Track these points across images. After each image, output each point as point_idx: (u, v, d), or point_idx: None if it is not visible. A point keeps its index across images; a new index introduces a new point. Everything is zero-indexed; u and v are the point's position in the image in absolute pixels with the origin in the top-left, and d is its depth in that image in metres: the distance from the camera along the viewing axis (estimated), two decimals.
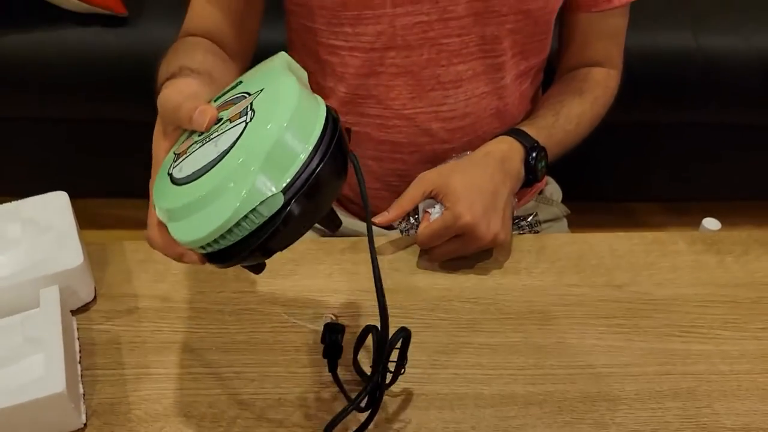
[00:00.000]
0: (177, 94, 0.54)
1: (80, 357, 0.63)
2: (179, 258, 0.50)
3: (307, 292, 0.70)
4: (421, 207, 0.75)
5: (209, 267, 0.72)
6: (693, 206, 1.69)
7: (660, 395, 0.62)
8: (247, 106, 0.48)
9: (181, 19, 0.82)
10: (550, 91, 0.92)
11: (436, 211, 0.73)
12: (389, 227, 0.79)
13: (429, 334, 0.66)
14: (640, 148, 1.60)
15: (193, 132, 0.52)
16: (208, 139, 0.49)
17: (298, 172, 0.45)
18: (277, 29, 0.89)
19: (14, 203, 0.71)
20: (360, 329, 0.61)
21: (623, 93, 0.94)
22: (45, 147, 1.59)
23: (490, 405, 0.61)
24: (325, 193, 0.46)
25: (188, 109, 0.51)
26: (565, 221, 0.98)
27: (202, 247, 0.47)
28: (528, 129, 0.81)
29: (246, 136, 0.46)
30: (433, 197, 0.74)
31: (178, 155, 0.51)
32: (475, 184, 0.73)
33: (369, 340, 0.59)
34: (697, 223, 0.87)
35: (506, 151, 0.78)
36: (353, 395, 0.56)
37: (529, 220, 0.87)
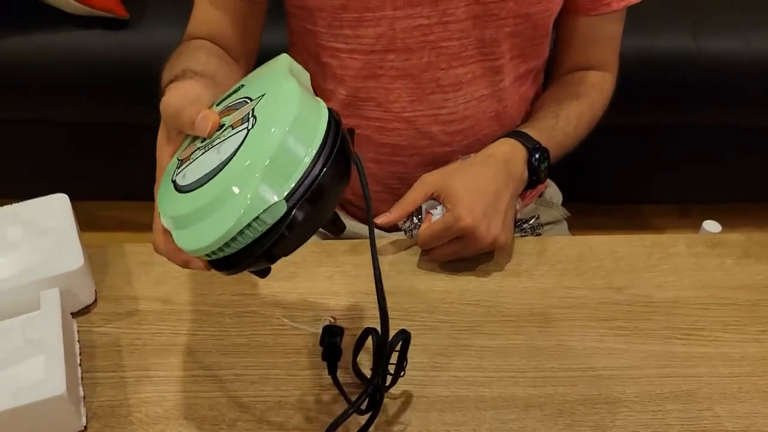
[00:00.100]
0: (179, 98, 0.54)
1: (80, 359, 0.63)
2: (185, 265, 0.50)
3: (307, 294, 0.70)
4: (423, 207, 0.75)
5: (211, 270, 0.72)
6: (693, 208, 1.69)
7: (660, 398, 0.62)
8: (248, 112, 0.48)
9: (182, 21, 0.83)
10: (547, 93, 0.92)
11: (437, 212, 0.73)
12: (391, 229, 0.79)
13: (429, 337, 0.66)
14: (641, 150, 1.60)
15: (195, 138, 0.52)
16: (210, 146, 0.49)
17: (300, 178, 0.45)
18: (278, 31, 0.89)
19: (15, 205, 0.71)
20: (360, 332, 0.61)
21: (623, 95, 0.94)
22: (46, 149, 1.59)
23: (490, 407, 0.61)
24: (329, 198, 0.46)
25: (190, 114, 0.51)
26: (565, 224, 0.98)
27: (207, 255, 0.47)
28: (529, 131, 0.81)
29: (248, 143, 0.46)
30: (435, 198, 0.74)
31: (181, 161, 0.51)
32: (477, 186, 0.73)
33: (369, 342, 0.59)
34: (697, 226, 0.87)
35: (509, 152, 0.78)
36: (353, 398, 0.56)
37: (531, 222, 0.87)
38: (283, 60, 0.52)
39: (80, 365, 0.63)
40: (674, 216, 1.74)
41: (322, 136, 0.46)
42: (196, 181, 0.47)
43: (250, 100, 0.50)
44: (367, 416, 0.56)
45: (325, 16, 0.79)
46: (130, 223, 1.67)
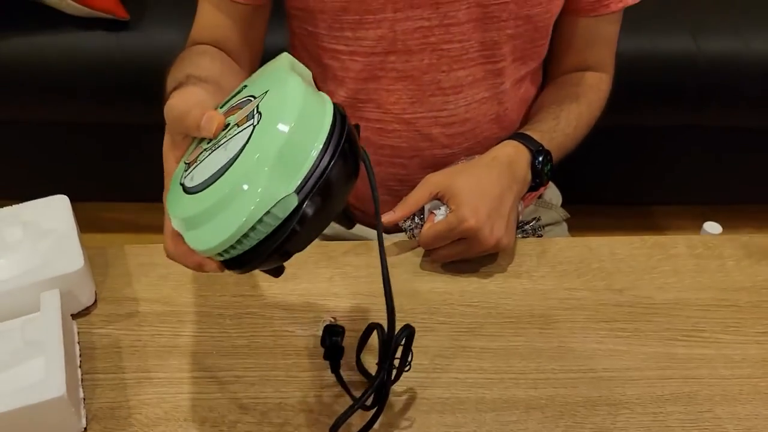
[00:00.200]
0: (183, 102, 0.54)
1: (80, 361, 0.63)
2: (199, 267, 0.50)
3: (307, 296, 0.70)
4: (426, 208, 0.75)
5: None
6: (694, 210, 1.69)
7: (661, 399, 0.62)
8: (253, 109, 0.48)
9: (182, 22, 0.83)
10: (545, 94, 0.92)
11: (441, 213, 0.73)
12: (392, 229, 0.79)
13: (430, 338, 0.66)
14: (640, 151, 1.60)
15: (201, 140, 0.52)
16: (217, 146, 0.49)
17: (309, 171, 0.44)
18: (279, 33, 0.89)
19: (15, 207, 0.71)
20: (360, 333, 0.61)
21: (623, 96, 0.94)
22: (46, 150, 1.59)
23: (491, 409, 0.61)
24: (339, 190, 0.46)
25: (195, 117, 0.51)
26: (565, 225, 0.98)
27: (220, 254, 0.46)
28: (531, 133, 0.81)
29: (254, 139, 0.46)
30: (439, 199, 0.74)
31: (188, 164, 0.51)
32: (481, 187, 0.73)
33: (370, 341, 0.59)
34: (698, 227, 0.87)
35: (513, 155, 0.78)
36: (357, 396, 0.56)
37: (531, 224, 0.87)
38: (285, 58, 0.52)
39: (80, 367, 0.63)
40: (675, 217, 1.74)
41: (329, 128, 0.46)
42: (204, 181, 0.47)
43: (254, 98, 0.50)
44: (371, 413, 0.56)
45: (325, 18, 0.79)
46: (131, 225, 1.67)
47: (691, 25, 1.41)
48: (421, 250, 0.75)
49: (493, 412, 0.60)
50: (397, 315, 0.61)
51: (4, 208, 0.71)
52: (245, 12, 0.80)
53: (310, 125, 0.45)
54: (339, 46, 0.81)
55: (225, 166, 0.46)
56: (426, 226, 0.73)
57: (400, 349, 0.56)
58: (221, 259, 0.47)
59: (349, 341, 0.61)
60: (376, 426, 0.57)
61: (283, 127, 0.44)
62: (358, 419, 0.57)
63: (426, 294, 0.71)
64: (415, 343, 0.57)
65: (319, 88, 0.86)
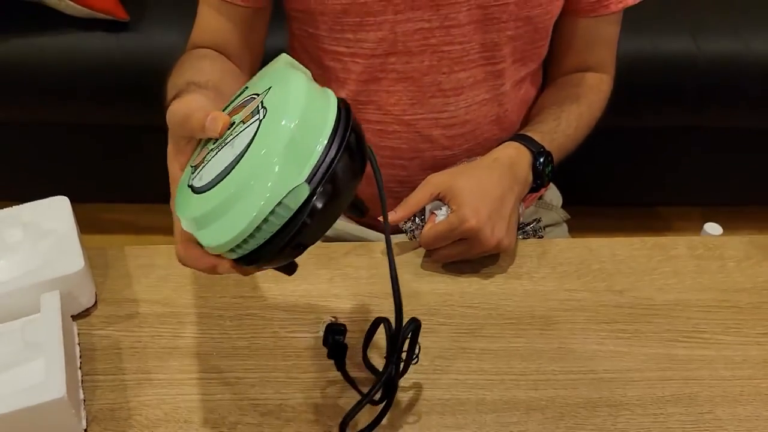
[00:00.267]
0: (185, 107, 0.53)
1: (81, 362, 0.63)
2: (212, 269, 0.49)
3: (308, 297, 0.70)
4: (427, 208, 0.75)
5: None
6: (694, 211, 1.69)
7: (662, 401, 0.62)
8: (258, 106, 0.48)
9: (182, 23, 0.82)
10: (546, 95, 0.92)
11: (442, 213, 0.73)
12: (394, 229, 0.79)
13: (430, 339, 0.66)
14: (641, 152, 1.60)
15: (206, 143, 0.52)
16: (223, 144, 0.49)
17: (318, 160, 0.44)
18: (278, 35, 0.89)
19: (15, 208, 0.70)
20: (362, 333, 0.61)
21: (623, 97, 0.94)
22: (46, 151, 1.59)
23: (491, 410, 0.61)
24: (348, 179, 0.46)
25: (199, 118, 0.50)
26: (565, 226, 0.98)
27: (233, 251, 0.46)
28: (533, 134, 0.81)
29: (261, 133, 0.46)
30: (440, 199, 0.74)
31: (195, 167, 0.51)
32: (483, 188, 0.73)
33: (374, 338, 0.58)
34: (698, 228, 0.87)
35: (514, 156, 0.78)
36: (364, 392, 0.56)
37: (532, 225, 0.87)
38: (284, 58, 0.53)
39: (80, 368, 0.63)
40: (675, 218, 1.74)
41: (334, 118, 0.46)
42: (212, 180, 0.47)
43: (257, 95, 0.50)
44: (378, 409, 0.56)
45: (326, 20, 0.79)
46: (131, 226, 1.67)
47: (691, 26, 1.41)
48: (421, 251, 0.75)
49: (493, 414, 0.60)
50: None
51: (4, 209, 0.71)
52: (246, 15, 0.80)
53: (316, 116, 0.45)
54: (340, 47, 0.81)
55: (233, 162, 0.46)
56: (427, 227, 0.73)
57: (406, 344, 0.56)
58: (234, 256, 0.47)
59: (350, 341, 0.61)
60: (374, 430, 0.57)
61: (290, 119, 0.45)
62: (365, 416, 0.57)
63: (426, 295, 0.71)
64: None
65: None
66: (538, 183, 0.80)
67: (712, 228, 0.85)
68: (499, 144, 0.81)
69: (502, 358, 0.65)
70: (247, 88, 0.54)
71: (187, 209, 0.49)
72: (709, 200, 1.67)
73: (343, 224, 0.92)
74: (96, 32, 1.38)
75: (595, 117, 0.89)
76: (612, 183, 1.67)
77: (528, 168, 0.78)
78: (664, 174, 1.65)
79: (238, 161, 0.46)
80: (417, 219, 0.76)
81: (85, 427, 0.58)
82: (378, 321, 0.57)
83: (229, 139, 0.49)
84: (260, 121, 0.47)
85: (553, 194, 1.00)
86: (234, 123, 0.50)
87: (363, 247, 0.76)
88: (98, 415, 0.59)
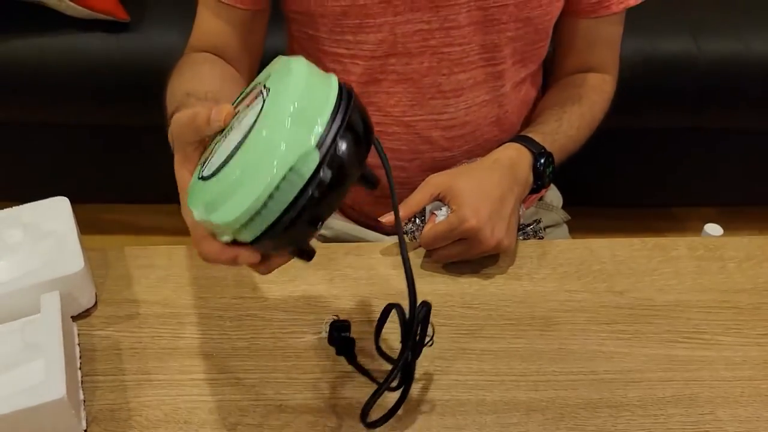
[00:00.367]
0: (189, 111, 0.53)
1: (80, 363, 0.63)
2: (233, 261, 0.49)
3: (308, 297, 0.70)
4: (428, 209, 0.75)
5: (211, 273, 0.72)
6: (695, 211, 1.69)
7: (662, 402, 0.62)
8: (261, 89, 0.49)
9: (182, 24, 0.83)
10: (548, 96, 0.92)
11: (442, 213, 0.73)
12: (392, 231, 0.78)
13: None
14: (642, 153, 1.60)
15: (213, 140, 0.52)
16: (229, 131, 0.49)
17: (326, 127, 0.45)
18: (278, 36, 0.89)
19: (15, 208, 0.70)
20: (362, 333, 0.61)
21: (624, 97, 0.94)
22: (46, 152, 1.59)
23: (492, 411, 0.61)
24: (358, 147, 0.46)
25: (203, 114, 0.50)
26: (565, 227, 0.98)
27: (249, 229, 0.46)
28: (534, 135, 0.81)
29: (266, 109, 0.46)
30: (441, 200, 0.74)
31: (203, 162, 0.51)
32: (483, 189, 0.73)
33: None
34: (699, 229, 0.87)
35: (515, 157, 0.78)
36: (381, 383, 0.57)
37: (532, 226, 0.87)
38: (280, 60, 0.53)
39: (80, 369, 0.63)
40: (675, 219, 1.74)
41: (337, 89, 0.47)
42: (221, 163, 0.47)
43: (260, 83, 0.50)
44: (390, 400, 0.57)
45: (326, 22, 0.79)
46: (131, 226, 1.67)
47: (692, 26, 1.41)
48: (421, 252, 0.75)
49: (493, 414, 0.60)
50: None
51: (5, 209, 0.71)
52: (245, 17, 0.80)
53: (319, 88, 0.46)
54: (340, 49, 0.81)
55: (240, 141, 0.46)
56: (427, 227, 0.73)
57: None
58: (251, 237, 0.46)
59: (356, 338, 0.61)
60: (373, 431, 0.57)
61: (294, 90, 0.45)
62: (374, 413, 0.57)
63: (426, 296, 0.70)
64: None
65: None
66: (538, 184, 0.79)
67: (713, 229, 0.85)
68: (500, 145, 0.81)
69: (503, 358, 0.65)
70: (246, 87, 0.54)
71: (198, 198, 0.49)
72: (709, 201, 1.67)
73: (342, 224, 0.92)
74: (96, 32, 1.38)
75: (597, 118, 0.89)
76: (612, 184, 1.67)
77: (528, 169, 0.78)
78: (665, 175, 1.65)
79: (246, 139, 0.46)
80: (417, 219, 0.76)
81: (84, 428, 0.58)
82: (389, 307, 0.58)
83: (235, 124, 0.49)
84: (264, 99, 0.47)
85: (553, 195, 1.00)
86: (239, 112, 0.50)
87: (362, 248, 0.76)
88: (98, 416, 0.59)
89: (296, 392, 0.61)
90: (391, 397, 0.58)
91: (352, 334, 0.61)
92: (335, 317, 0.65)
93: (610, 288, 0.72)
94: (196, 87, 0.64)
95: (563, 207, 1.00)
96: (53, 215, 0.70)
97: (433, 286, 0.72)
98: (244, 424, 0.59)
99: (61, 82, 1.41)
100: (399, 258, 0.74)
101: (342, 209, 0.95)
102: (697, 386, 0.63)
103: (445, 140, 0.85)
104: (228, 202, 0.46)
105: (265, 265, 0.51)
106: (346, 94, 0.47)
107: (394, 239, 0.79)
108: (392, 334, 0.61)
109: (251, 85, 0.53)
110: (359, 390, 0.62)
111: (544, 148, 0.80)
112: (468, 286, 0.72)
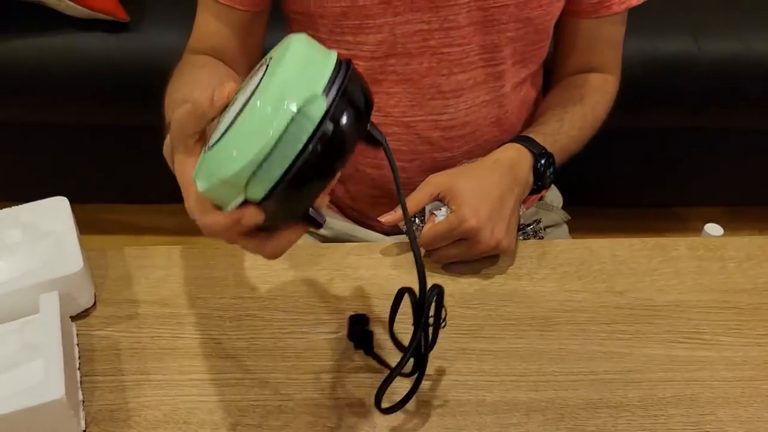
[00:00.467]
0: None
1: (79, 363, 0.63)
2: (237, 224, 0.47)
3: (307, 298, 0.70)
4: (427, 209, 0.75)
5: (210, 273, 0.72)
6: (695, 211, 1.69)
7: (663, 402, 0.62)
8: (264, 63, 0.49)
9: (182, 24, 0.82)
10: (550, 97, 0.92)
11: (441, 214, 0.73)
12: (392, 231, 0.79)
13: None
14: (642, 152, 1.60)
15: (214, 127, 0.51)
16: (233, 101, 0.49)
17: (331, 77, 0.45)
18: (277, 36, 0.89)
19: (14, 208, 0.70)
20: (362, 333, 0.61)
21: (625, 98, 0.94)
22: (45, 152, 1.59)
23: (492, 412, 0.60)
24: (361, 102, 0.47)
25: (205, 98, 0.50)
26: (565, 227, 0.98)
27: (258, 183, 0.45)
28: (535, 136, 0.81)
29: (270, 72, 0.46)
30: (440, 200, 0.73)
31: (209, 146, 0.50)
32: (483, 189, 0.73)
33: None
34: (699, 229, 0.87)
35: (515, 158, 0.78)
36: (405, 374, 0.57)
37: (532, 226, 0.87)
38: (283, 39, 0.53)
39: (79, 369, 0.63)
40: (676, 219, 1.74)
41: (336, 56, 0.48)
42: (227, 127, 0.46)
43: (261, 63, 0.50)
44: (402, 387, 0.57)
45: (326, 23, 0.78)
46: (130, 226, 1.67)
47: (692, 27, 1.41)
48: (421, 252, 0.75)
49: (493, 415, 0.60)
50: (399, 316, 0.61)
51: (4, 209, 0.70)
52: (244, 19, 0.80)
53: (320, 51, 0.47)
54: (340, 50, 0.80)
55: (246, 102, 0.46)
56: (426, 227, 0.72)
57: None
58: (260, 193, 0.45)
59: (348, 344, 0.61)
60: (370, 427, 0.57)
61: (297, 47, 0.46)
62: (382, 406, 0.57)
63: None
64: None
65: None
66: (539, 185, 0.79)
67: (713, 229, 0.85)
68: (500, 145, 0.81)
69: (502, 359, 0.65)
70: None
71: (203, 168, 0.48)
72: (709, 201, 1.67)
73: (342, 224, 0.92)
74: (96, 32, 1.38)
75: (600, 118, 0.89)
76: (612, 184, 1.67)
77: (529, 169, 0.78)
78: (665, 175, 1.65)
79: (251, 98, 0.45)
80: (417, 219, 0.76)
81: (83, 428, 0.58)
82: (402, 291, 0.58)
83: (238, 97, 0.48)
84: (267, 66, 0.47)
85: (553, 195, 1.00)
86: (241, 88, 0.50)
87: (362, 248, 0.76)
88: (97, 416, 0.59)
89: (296, 392, 0.61)
90: (402, 389, 0.58)
91: (348, 335, 0.61)
92: (354, 313, 0.65)
93: (611, 288, 0.72)
94: (195, 93, 0.64)
95: (563, 207, 1.00)
96: (52, 215, 0.70)
97: None
98: (243, 424, 0.59)
99: (61, 82, 1.41)
100: (399, 258, 0.75)
101: (342, 209, 0.96)
102: (698, 386, 0.63)
103: (445, 141, 0.85)
104: (236, 153, 0.45)
105: (273, 242, 0.49)
106: (345, 62, 0.48)
107: (394, 239, 0.79)
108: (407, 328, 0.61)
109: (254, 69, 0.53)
110: (360, 390, 0.61)
111: (544, 148, 0.80)
112: (468, 286, 0.72)
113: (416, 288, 0.54)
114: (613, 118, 0.92)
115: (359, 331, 0.61)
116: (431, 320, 0.56)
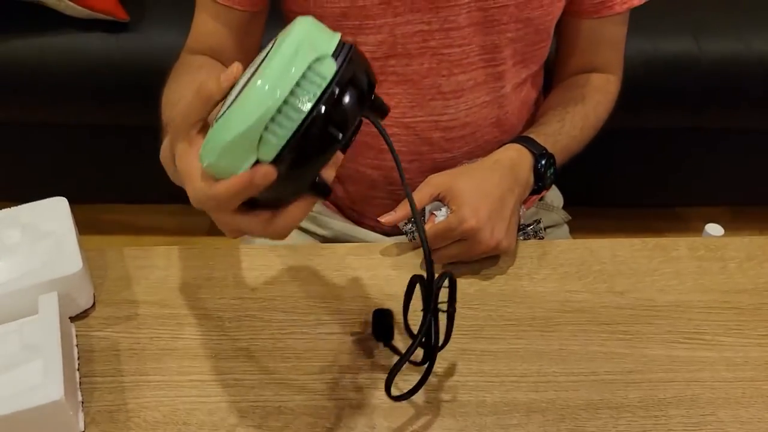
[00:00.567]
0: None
1: (79, 364, 0.63)
2: (249, 182, 0.45)
3: (307, 298, 0.70)
4: (427, 209, 0.75)
5: (210, 273, 0.71)
6: (695, 212, 1.69)
7: (663, 403, 0.61)
8: (270, 44, 0.49)
9: (182, 24, 0.82)
10: (551, 97, 0.91)
11: (441, 214, 0.73)
12: (392, 231, 0.78)
13: None
14: (643, 153, 1.60)
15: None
16: (237, 85, 0.49)
17: (338, 46, 0.47)
18: (275, 36, 0.89)
19: (13, 209, 0.70)
20: (362, 334, 0.61)
21: (625, 98, 0.94)
22: (45, 152, 1.59)
23: (492, 412, 0.60)
24: (364, 76, 0.48)
25: (211, 81, 0.49)
26: (566, 227, 0.98)
27: (267, 139, 0.45)
28: (535, 136, 0.81)
29: (276, 45, 0.46)
30: (440, 200, 0.73)
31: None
32: (483, 189, 0.73)
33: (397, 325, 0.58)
34: (699, 229, 0.86)
35: (515, 158, 0.78)
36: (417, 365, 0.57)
37: (532, 226, 0.87)
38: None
39: (78, 370, 0.63)
40: (676, 219, 1.74)
41: (339, 35, 0.49)
42: (233, 100, 0.46)
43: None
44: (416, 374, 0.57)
45: (325, 23, 0.78)
46: (130, 227, 1.67)
47: (693, 27, 1.41)
48: (421, 252, 0.75)
49: (494, 416, 0.60)
50: (399, 316, 0.61)
51: (3, 209, 0.70)
52: (242, 19, 0.80)
53: (326, 28, 0.49)
54: None
55: (251, 75, 0.46)
56: (426, 227, 0.72)
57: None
58: (270, 153, 0.45)
59: (352, 345, 0.61)
60: (370, 428, 0.57)
61: (305, 23, 0.47)
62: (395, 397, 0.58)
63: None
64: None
65: None
66: (539, 185, 0.79)
67: (714, 229, 0.85)
68: (500, 146, 0.81)
69: (503, 359, 0.65)
70: None
71: (209, 140, 0.47)
72: (710, 201, 1.67)
73: (342, 225, 0.92)
74: (96, 32, 1.38)
75: (601, 118, 0.89)
76: (613, 184, 1.67)
77: (529, 170, 0.78)
78: (666, 175, 1.64)
79: (257, 69, 0.46)
80: None
81: (83, 429, 0.58)
82: (414, 280, 0.58)
83: (244, 78, 0.48)
84: (273, 43, 0.48)
85: (553, 195, 1.00)
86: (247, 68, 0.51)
87: (362, 248, 0.76)
88: (96, 417, 0.59)
89: (295, 393, 0.61)
90: (390, 408, 0.58)
91: (350, 337, 0.62)
92: (378, 308, 0.66)
93: (611, 288, 0.72)
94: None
95: (564, 207, 1.00)
96: (52, 215, 0.69)
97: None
98: (243, 425, 0.59)
99: (61, 82, 1.41)
100: (399, 259, 0.75)
101: (342, 210, 0.95)
102: (699, 387, 0.63)
103: (445, 141, 0.85)
104: (250, 108, 0.44)
105: (279, 219, 0.48)
106: (348, 43, 0.49)
107: (394, 239, 0.79)
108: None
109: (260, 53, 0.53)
110: (360, 391, 0.61)
111: (545, 149, 0.80)
112: (468, 286, 0.71)
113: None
114: (614, 118, 0.92)
115: (385, 324, 0.62)
116: (445, 307, 0.57)
